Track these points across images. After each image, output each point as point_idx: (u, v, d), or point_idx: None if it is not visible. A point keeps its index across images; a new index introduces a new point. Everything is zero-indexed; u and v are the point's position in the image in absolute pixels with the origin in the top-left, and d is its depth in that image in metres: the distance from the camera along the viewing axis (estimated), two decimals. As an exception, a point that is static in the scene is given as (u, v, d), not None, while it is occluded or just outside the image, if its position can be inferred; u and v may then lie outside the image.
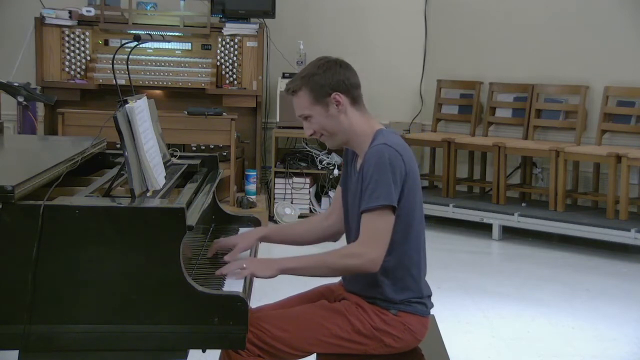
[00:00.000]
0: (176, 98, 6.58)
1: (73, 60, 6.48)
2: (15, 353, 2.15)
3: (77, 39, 6.49)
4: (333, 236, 2.78)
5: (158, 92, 6.52)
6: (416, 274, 2.55)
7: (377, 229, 2.41)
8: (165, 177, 2.62)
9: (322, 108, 2.51)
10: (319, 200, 6.78)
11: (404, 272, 2.52)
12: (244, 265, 2.44)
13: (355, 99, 2.56)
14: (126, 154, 2.35)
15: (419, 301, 2.56)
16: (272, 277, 2.44)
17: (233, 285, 2.35)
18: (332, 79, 2.50)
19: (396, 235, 2.47)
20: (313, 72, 2.51)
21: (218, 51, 6.57)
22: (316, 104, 2.51)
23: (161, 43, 6.39)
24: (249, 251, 2.76)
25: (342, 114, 2.52)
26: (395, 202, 2.42)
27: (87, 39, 6.50)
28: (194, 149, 6.45)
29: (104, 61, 6.44)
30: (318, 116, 2.52)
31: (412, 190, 2.50)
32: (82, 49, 6.50)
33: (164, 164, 2.69)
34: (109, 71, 6.32)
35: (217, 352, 2.49)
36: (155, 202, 2.29)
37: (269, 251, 3.15)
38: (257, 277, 2.46)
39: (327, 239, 2.80)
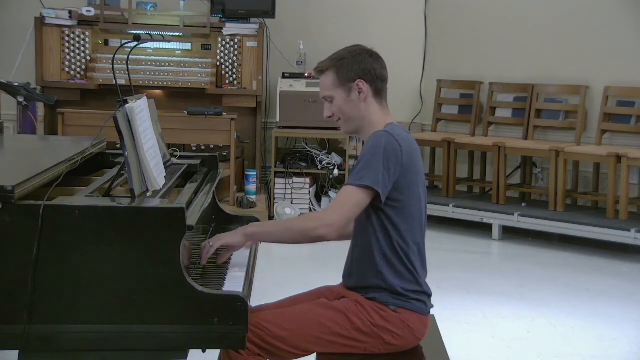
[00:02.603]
0: (176, 98, 6.58)
1: (73, 60, 6.48)
2: (15, 353, 2.15)
3: (77, 39, 6.49)
4: (349, 236, 2.78)
5: (158, 92, 6.52)
6: (414, 269, 2.55)
7: (345, 201, 2.44)
8: (165, 177, 2.62)
9: (344, 92, 2.56)
10: (319, 200, 6.78)
11: (401, 264, 2.53)
12: (211, 243, 2.49)
13: (379, 91, 2.60)
14: (126, 154, 2.35)
15: (418, 298, 2.56)
16: (240, 243, 2.50)
17: (233, 285, 2.35)
18: (359, 66, 2.56)
19: (392, 223, 2.49)
20: (343, 56, 2.59)
21: (218, 51, 6.57)
22: (339, 87, 2.56)
23: (161, 43, 6.39)
24: (249, 250, 2.76)
25: (362, 102, 2.57)
26: (381, 187, 2.43)
27: (87, 39, 6.50)
28: (194, 149, 6.45)
29: (104, 61, 6.44)
30: (339, 99, 2.57)
31: (411, 185, 2.51)
32: (82, 49, 6.50)
33: (164, 164, 2.69)
34: (109, 71, 6.32)
35: (217, 352, 2.49)
36: (155, 202, 2.29)
37: (267, 252, 3.16)
38: (228, 245, 2.50)
39: (345, 237, 2.77)
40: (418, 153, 2.58)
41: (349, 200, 2.44)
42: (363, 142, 2.70)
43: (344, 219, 2.43)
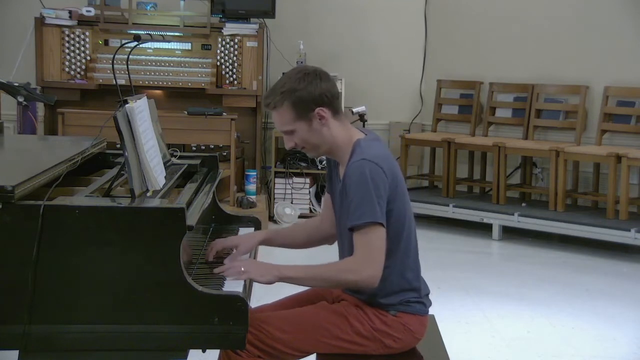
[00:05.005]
0: (176, 98, 6.58)
1: (73, 60, 6.48)
2: (15, 353, 2.15)
3: (77, 39, 6.49)
4: (327, 240, 2.79)
5: (158, 92, 6.51)
6: (411, 276, 2.55)
7: (371, 246, 2.39)
8: (165, 177, 2.62)
9: (306, 123, 2.47)
10: (319, 200, 6.78)
11: (398, 278, 2.52)
12: (243, 269, 2.43)
13: (337, 110, 2.52)
14: (126, 154, 2.35)
15: (418, 300, 2.57)
16: (270, 283, 2.43)
17: (233, 285, 2.35)
18: (314, 93, 2.45)
19: (388, 243, 2.46)
20: (294, 88, 2.45)
21: (218, 51, 6.57)
22: (299, 120, 2.46)
23: (161, 43, 6.39)
24: (248, 253, 2.75)
25: (325, 127, 2.49)
26: (381, 218, 2.40)
27: (87, 39, 6.50)
28: (194, 149, 6.45)
29: (104, 61, 6.44)
30: (301, 131, 2.48)
31: (399, 197, 2.49)
32: (82, 49, 6.50)
33: (164, 164, 2.69)
34: (109, 71, 6.31)
35: (217, 352, 2.49)
36: (155, 202, 2.29)
37: (268, 253, 3.15)
38: (255, 281, 2.46)
39: (322, 243, 2.80)
40: (394, 160, 2.54)
41: (373, 245, 2.39)
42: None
43: (380, 265, 2.39)
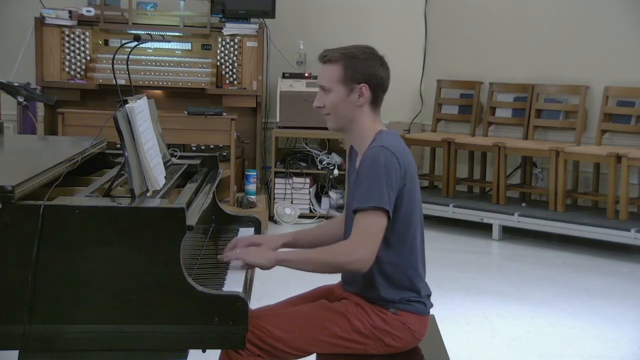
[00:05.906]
0: (176, 98, 6.58)
1: (73, 60, 6.48)
2: (15, 353, 2.15)
3: (77, 39, 6.49)
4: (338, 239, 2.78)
5: (158, 92, 6.51)
6: (413, 274, 2.55)
7: (368, 230, 2.41)
8: (165, 177, 2.62)
9: (345, 90, 2.52)
10: (319, 200, 6.78)
11: (400, 274, 2.53)
12: (244, 260, 2.47)
13: (376, 100, 2.57)
14: (126, 154, 2.34)
15: (418, 300, 2.57)
16: (268, 267, 2.46)
17: (233, 285, 2.35)
18: (368, 70, 2.52)
19: (393, 237, 2.47)
20: (356, 55, 2.53)
21: (218, 51, 6.57)
22: (342, 84, 2.52)
23: (161, 43, 6.39)
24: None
25: (358, 107, 2.53)
26: (388, 205, 2.41)
27: (87, 39, 6.50)
28: (194, 149, 6.45)
29: (104, 61, 6.44)
30: (337, 95, 2.53)
31: (411, 191, 2.50)
32: (82, 49, 6.50)
33: (164, 164, 2.69)
34: (109, 71, 6.32)
35: (217, 352, 2.49)
36: (155, 202, 2.29)
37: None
38: (255, 266, 2.49)
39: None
40: (411, 156, 2.56)
41: (370, 229, 2.40)
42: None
43: (373, 250, 2.40)
